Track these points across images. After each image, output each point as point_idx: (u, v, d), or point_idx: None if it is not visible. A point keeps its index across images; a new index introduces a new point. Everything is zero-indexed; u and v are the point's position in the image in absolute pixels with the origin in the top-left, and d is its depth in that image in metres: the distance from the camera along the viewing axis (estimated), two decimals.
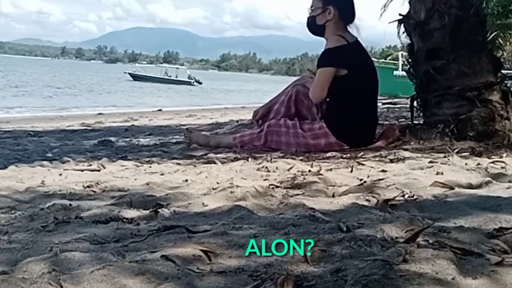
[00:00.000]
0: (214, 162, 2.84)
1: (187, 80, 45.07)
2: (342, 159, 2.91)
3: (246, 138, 3.66)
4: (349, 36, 3.52)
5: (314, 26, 3.60)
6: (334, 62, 3.47)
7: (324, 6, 3.52)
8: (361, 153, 3.10)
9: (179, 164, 2.88)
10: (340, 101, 3.48)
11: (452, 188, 1.98)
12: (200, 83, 43.99)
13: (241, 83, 60.20)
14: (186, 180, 2.26)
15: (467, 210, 1.60)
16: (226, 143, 3.70)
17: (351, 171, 2.46)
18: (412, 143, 3.33)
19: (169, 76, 47.64)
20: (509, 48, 13.05)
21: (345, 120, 3.45)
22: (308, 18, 3.63)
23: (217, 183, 2.15)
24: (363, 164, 2.64)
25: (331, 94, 3.48)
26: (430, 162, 2.60)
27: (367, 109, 3.58)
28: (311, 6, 3.60)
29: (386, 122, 5.53)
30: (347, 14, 3.56)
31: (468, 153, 2.88)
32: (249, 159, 2.91)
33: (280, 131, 3.52)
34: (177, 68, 55.78)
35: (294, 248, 1.22)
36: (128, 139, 4.65)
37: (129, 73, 46.21)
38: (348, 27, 3.56)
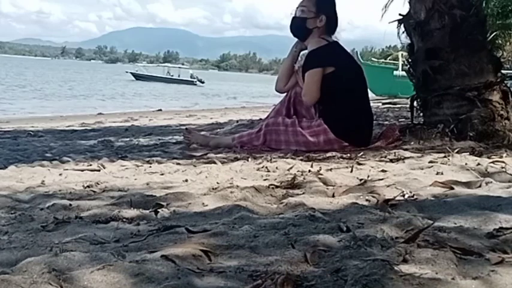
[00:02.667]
0: (214, 162, 2.84)
1: (190, 79, 44.83)
2: (342, 159, 2.91)
3: (244, 138, 3.67)
4: (329, 38, 3.59)
5: (300, 28, 3.63)
6: (320, 62, 3.51)
7: (317, 12, 3.58)
8: (361, 153, 3.10)
9: (179, 164, 2.88)
10: (332, 99, 3.50)
11: (452, 188, 1.98)
12: (203, 83, 43.75)
13: (249, 83, 59.57)
14: (186, 180, 2.26)
15: (467, 210, 1.60)
16: (226, 143, 3.71)
17: (351, 171, 2.46)
18: (412, 143, 3.33)
19: (172, 76, 47.47)
20: (509, 48, 13.04)
21: (341, 117, 3.46)
22: (297, 18, 3.64)
23: (217, 183, 2.15)
24: (363, 164, 2.64)
25: (323, 93, 3.50)
26: (430, 162, 2.60)
27: (360, 105, 3.60)
28: (301, 7, 3.62)
29: (386, 122, 5.53)
30: (332, 25, 3.63)
31: (468, 153, 2.88)
32: (249, 159, 2.91)
33: (279, 129, 3.52)
34: (179, 67, 55.66)
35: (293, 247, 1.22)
36: (127, 139, 4.65)
37: (131, 73, 45.95)
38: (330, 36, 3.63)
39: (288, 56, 3.80)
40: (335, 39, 3.62)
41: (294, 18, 3.66)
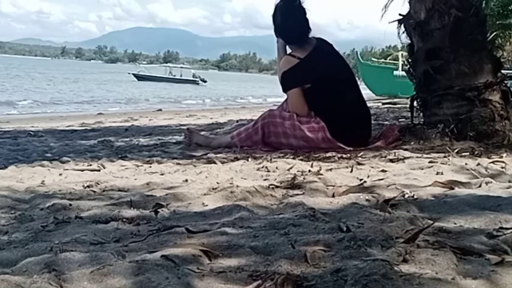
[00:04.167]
0: (214, 162, 2.84)
1: (192, 79, 44.72)
2: (342, 159, 2.91)
3: (243, 135, 3.64)
4: (300, 52, 3.53)
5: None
6: (294, 84, 3.53)
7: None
8: (361, 153, 3.10)
9: (179, 164, 2.88)
10: (321, 106, 3.48)
11: (452, 188, 1.98)
12: (205, 82, 43.63)
13: (255, 83, 58.97)
14: (186, 180, 2.26)
15: (467, 210, 1.60)
16: (226, 143, 3.69)
17: (351, 171, 2.46)
18: (412, 143, 3.33)
19: (174, 75, 47.36)
20: (509, 48, 13.05)
21: (334, 122, 3.44)
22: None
23: (217, 183, 2.15)
24: (363, 164, 2.64)
25: (310, 103, 3.51)
26: (430, 162, 2.60)
27: (353, 106, 3.58)
28: None
29: (386, 122, 5.54)
30: (284, 31, 3.62)
31: (468, 153, 2.88)
32: (249, 159, 2.91)
33: (276, 121, 3.51)
34: (181, 67, 55.60)
35: (293, 247, 1.22)
36: (127, 139, 4.65)
37: (133, 73, 45.64)
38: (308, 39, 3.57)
39: (277, 57, 3.77)
40: (313, 44, 3.53)
41: None
